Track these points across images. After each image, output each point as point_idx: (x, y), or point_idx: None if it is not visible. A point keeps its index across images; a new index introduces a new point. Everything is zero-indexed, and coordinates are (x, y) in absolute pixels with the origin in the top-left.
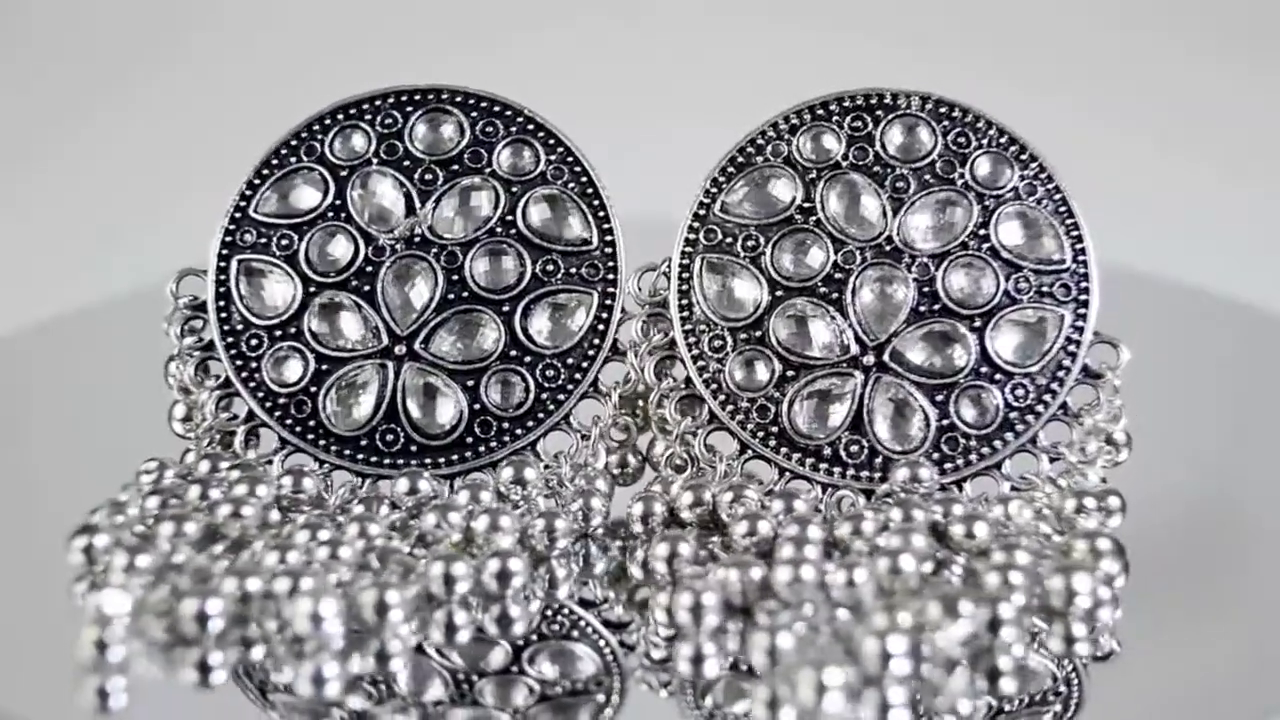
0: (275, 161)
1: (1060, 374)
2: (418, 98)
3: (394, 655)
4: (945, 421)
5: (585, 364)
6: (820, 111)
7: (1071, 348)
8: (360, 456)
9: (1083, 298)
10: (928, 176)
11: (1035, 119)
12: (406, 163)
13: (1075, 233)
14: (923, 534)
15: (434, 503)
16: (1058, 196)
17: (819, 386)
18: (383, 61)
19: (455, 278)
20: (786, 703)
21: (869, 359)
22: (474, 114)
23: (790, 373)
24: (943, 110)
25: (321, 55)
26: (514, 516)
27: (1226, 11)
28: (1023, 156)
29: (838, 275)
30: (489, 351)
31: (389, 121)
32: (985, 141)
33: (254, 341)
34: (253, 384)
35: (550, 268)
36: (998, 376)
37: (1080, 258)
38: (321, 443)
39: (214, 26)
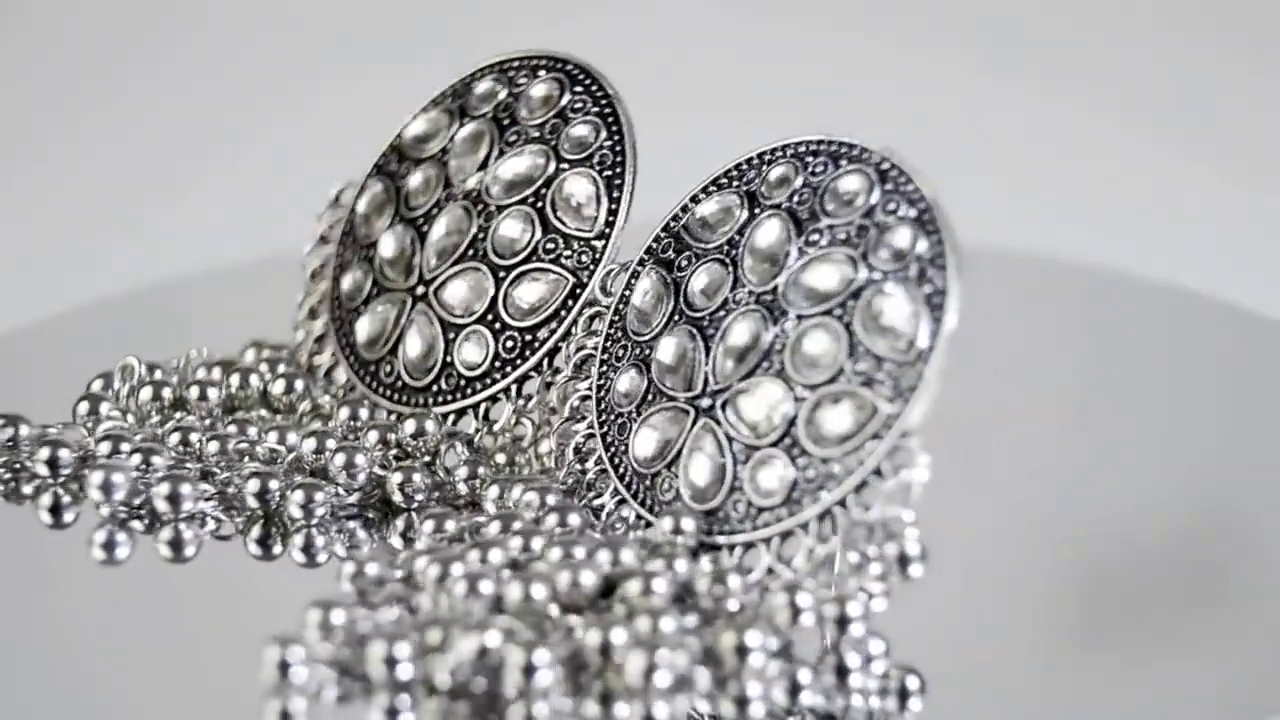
0: (439, 100)
1: (850, 466)
2: (546, 63)
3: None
4: (737, 483)
5: (537, 345)
6: (802, 149)
7: (871, 444)
8: (368, 381)
9: (907, 395)
10: (841, 235)
11: (1038, 120)
12: (506, 120)
13: (935, 327)
14: (595, 575)
15: (313, 430)
16: (941, 287)
17: (659, 418)
18: (377, 62)
19: (481, 235)
20: None
21: (706, 402)
22: (577, 88)
23: (649, 398)
24: (893, 173)
25: (318, 53)
26: (367, 455)
27: (1232, 13)
28: (934, 234)
29: (720, 314)
30: (473, 311)
31: (521, 81)
32: (911, 214)
33: (349, 255)
34: (335, 293)
35: (550, 245)
36: (796, 452)
37: (927, 355)
38: (351, 358)
39: (211, 27)
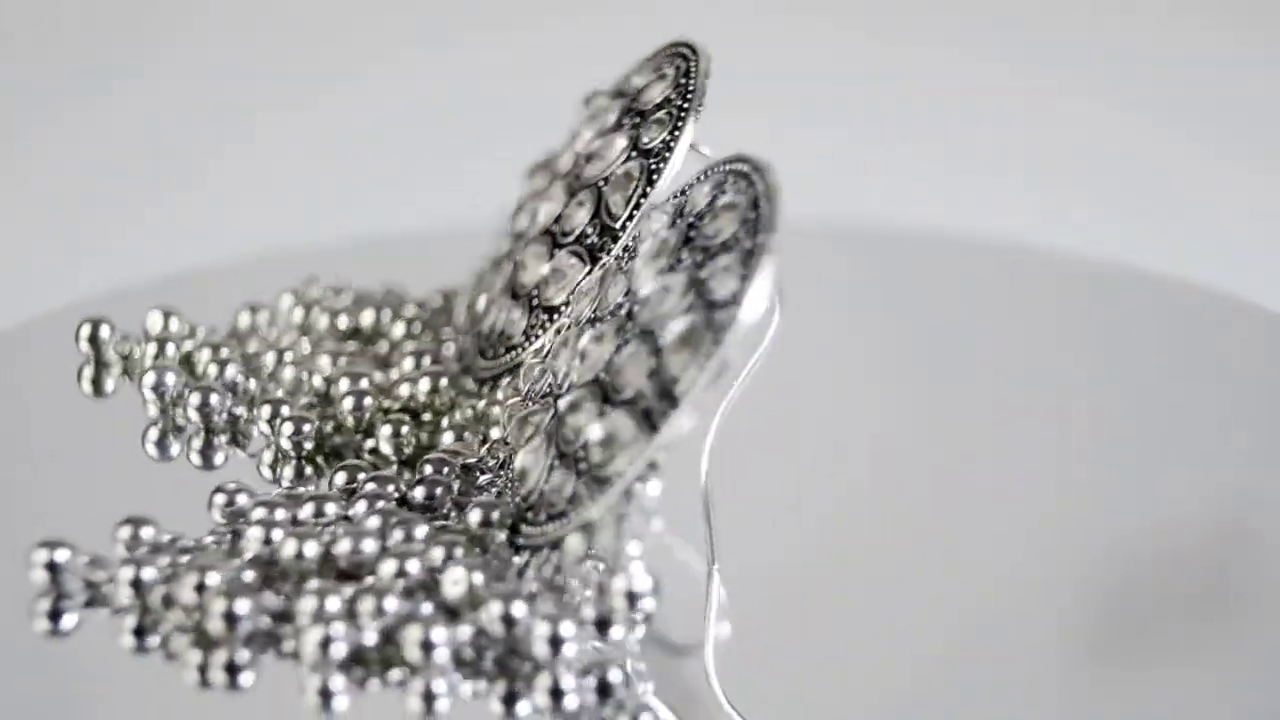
0: (620, 79)
1: (593, 489)
2: (685, 51)
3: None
4: (546, 485)
5: (547, 323)
6: (731, 167)
7: (625, 468)
8: (475, 339)
9: (656, 425)
10: (699, 258)
11: (1054, 116)
12: (634, 104)
13: (706, 362)
14: (375, 546)
15: (350, 371)
16: (725, 324)
17: (538, 409)
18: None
19: (564, 214)
20: None
21: (561, 404)
22: (682, 80)
23: (551, 390)
24: (761, 204)
25: (305, 49)
26: (375, 401)
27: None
28: (749, 270)
29: (608, 318)
30: (528, 285)
31: (659, 67)
32: (748, 246)
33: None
34: (496, 253)
35: (589, 230)
36: (584, 466)
37: (687, 391)
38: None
39: (197, 27)
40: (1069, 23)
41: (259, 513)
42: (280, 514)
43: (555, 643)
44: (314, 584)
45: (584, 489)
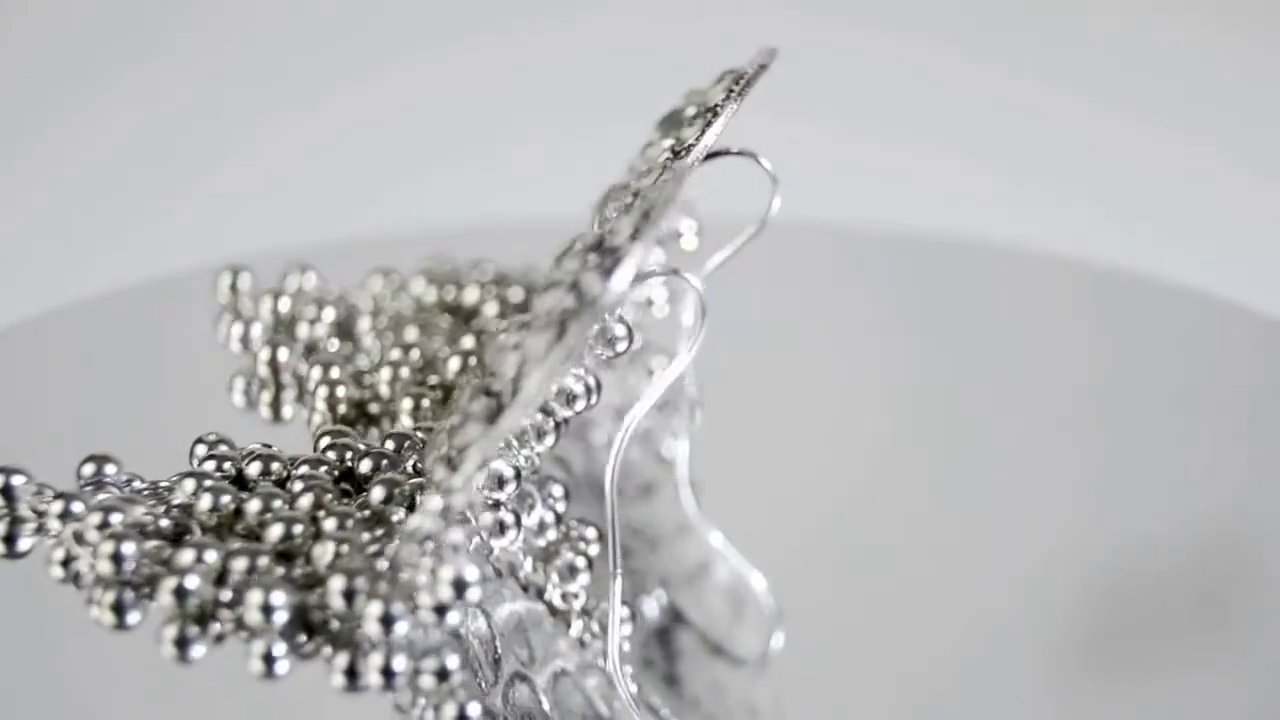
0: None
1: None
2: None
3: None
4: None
5: None
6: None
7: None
8: None
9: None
10: (597, 259)
11: (1065, 121)
12: (702, 104)
13: (545, 359)
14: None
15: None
16: (569, 328)
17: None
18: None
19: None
20: None
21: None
22: (732, 85)
23: None
24: (651, 210)
25: (302, 53)
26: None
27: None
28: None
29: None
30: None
31: (729, 70)
32: (625, 251)
33: None
34: None
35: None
36: (448, 449)
37: (521, 384)
38: None
39: (199, 26)
40: (1077, 27)
41: (209, 465)
42: (227, 468)
43: (386, 622)
44: (200, 538)
45: (444, 474)
